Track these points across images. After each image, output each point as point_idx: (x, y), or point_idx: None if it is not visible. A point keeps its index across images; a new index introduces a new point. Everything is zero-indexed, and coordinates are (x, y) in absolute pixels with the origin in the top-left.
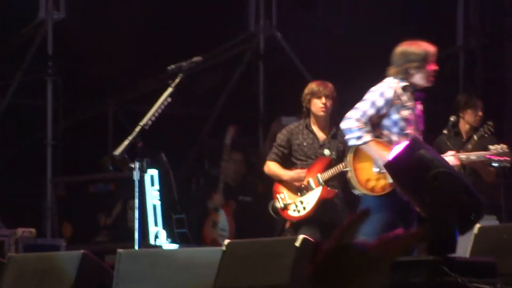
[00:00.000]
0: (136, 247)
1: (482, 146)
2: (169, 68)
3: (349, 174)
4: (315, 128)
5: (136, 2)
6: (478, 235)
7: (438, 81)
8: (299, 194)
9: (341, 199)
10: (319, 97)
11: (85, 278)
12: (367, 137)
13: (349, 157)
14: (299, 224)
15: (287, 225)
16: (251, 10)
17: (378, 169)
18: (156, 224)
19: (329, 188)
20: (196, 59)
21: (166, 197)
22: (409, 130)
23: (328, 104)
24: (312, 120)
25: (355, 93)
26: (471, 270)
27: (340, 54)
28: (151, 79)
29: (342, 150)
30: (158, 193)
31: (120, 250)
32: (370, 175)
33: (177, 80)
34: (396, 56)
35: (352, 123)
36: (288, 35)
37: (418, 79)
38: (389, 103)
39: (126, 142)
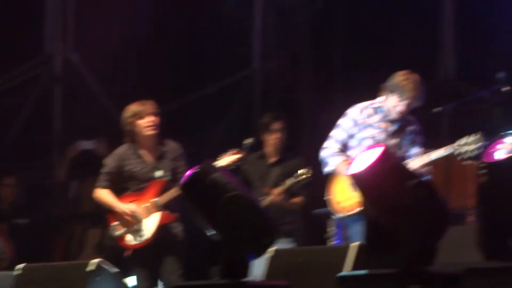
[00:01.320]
0: None
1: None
2: None
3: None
4: (143, 152)
5: None
6: (273, 257)
7: (234, 103)
8: (136, 221)
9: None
10: (142, 117)
11: None
12: (330, 157)
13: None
14: (139, 251)
15: (128, 253)
16: (47, 31)
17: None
18: None
19: (168, 212)
20: None
21: None
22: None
23: (156, 121)
24: (140, 143)
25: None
26: None
27: (137, 75)
28: None
29: (175, 168)
30: None
31: None
32: (342, 197)
33: None
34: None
35: (323, 151)
36: (85, 57)
37: None
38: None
39: None
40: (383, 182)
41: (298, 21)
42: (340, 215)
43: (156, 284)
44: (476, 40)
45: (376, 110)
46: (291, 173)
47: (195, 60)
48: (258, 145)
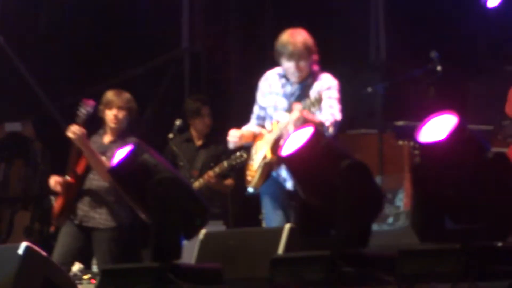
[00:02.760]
0: None
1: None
2: None
3: None
4: (106, 138)
5: None
6: (204, 240)
7: (163, 84)
8: None
9: None
10: (110, 108)
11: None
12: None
13: None
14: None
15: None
16: None
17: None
18: None
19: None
20: None
21: None
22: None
23: (121, 115)
24: (106, 132)
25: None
26: (197, 277)
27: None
28: None
29: None
30: None
31: None
32: (249, 169)
33: None
34: None
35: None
36: (10, 38)
37: None
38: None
39: None
40: (314, 164)
41: None
42: (249, 188)
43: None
44: (407, 20)
45: (279, 75)
46: (218, 156)
47: (124, 41)
48: (185, 128)
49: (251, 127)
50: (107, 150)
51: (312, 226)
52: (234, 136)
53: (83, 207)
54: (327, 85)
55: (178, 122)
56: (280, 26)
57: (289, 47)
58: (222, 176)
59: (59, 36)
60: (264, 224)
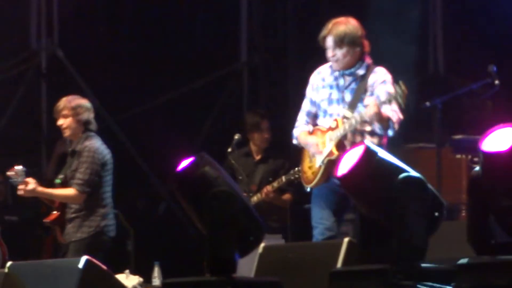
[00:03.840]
0: None
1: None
2: None
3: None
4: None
5: None
6: (263, 254)
7: (221, 98)
8: None
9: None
10: (57, 118)
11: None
12: (296, 132)
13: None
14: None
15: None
16: (32, 28)
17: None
18: None
19: (53, 212)
20: None
21: None
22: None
23: (64, 123)
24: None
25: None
26: None
27: (124, 70)
28: None
29: (74, 170)
30: None
31: None
32: (306, 167)
33: None
34: None
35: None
36: (70, 53)
37: None
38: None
39: None
40: (369, 181)
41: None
42: (307, 186)
43: None
44: (465, 34)
45: (331, 69)
46: (276, 171)
47: (183, 55)
48: (244, 142)
49: (303, 128)
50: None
51: (371, 239)
52: None
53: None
54: (382, 79)
55: (237, 136)
56: None
57: (323, 33)
58: (280, 190)
59: (118, 50)
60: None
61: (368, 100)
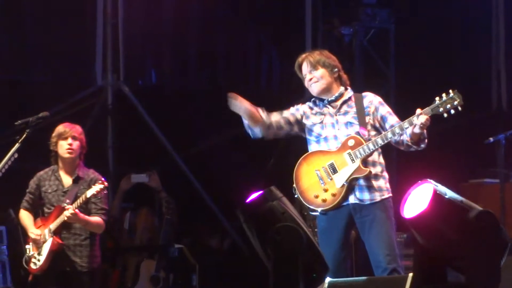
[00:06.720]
0: None
1: None
2: (16, 123)
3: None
4: (62, 174)
5: None
6: None
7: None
8: (39, 246)
9: (84, 246)
10: (65, 138)
11: None
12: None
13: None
14: (40, 277)
15: (30, 278)
16: (98, 64)
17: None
18: (5, 282)
19: (57, 240)
20: (42, 114)
21: (15, 252)
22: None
23: (75, 145)
24: (60, 165)
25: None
26: None
27: (190, 105)
28: None
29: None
30: (6, 250)
31: None
32: (313, 190)
33: (24, 135)
34: None
35: None
36: (135, 89)
37: None
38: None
39: None
40: (441, 221)
41: None
42: (320, 209)
43: None
44: None
45: (313, 102)
46: None
47: (248, 90)
48: None
49: (270, 114)
50: None
51: (432, 273)
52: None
53: None
54: (377, 100)
55: None
56: (403, 67)
57: (298, 62)
58: None
59: (181, 86)
60: None
61: (419, 110)
